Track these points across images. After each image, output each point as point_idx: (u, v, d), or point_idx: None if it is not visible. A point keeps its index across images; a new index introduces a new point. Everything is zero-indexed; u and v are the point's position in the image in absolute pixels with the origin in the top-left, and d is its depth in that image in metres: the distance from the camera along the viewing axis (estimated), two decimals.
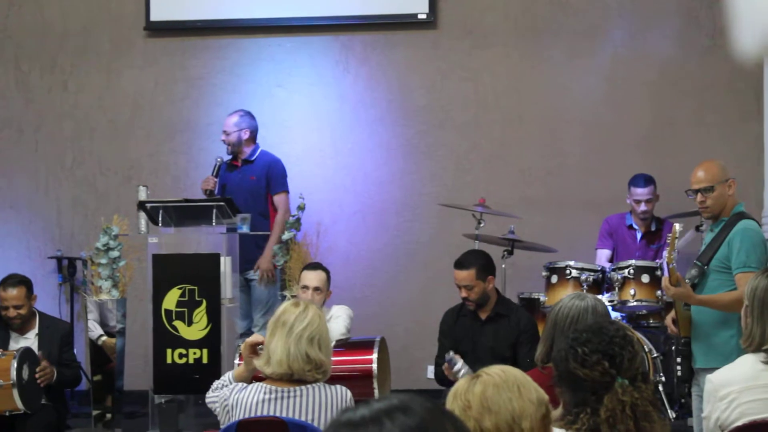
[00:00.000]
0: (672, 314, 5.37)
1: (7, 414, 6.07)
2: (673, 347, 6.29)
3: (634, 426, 2.89)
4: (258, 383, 3.90)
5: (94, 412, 6.76)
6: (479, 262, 6.04)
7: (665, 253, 5.29)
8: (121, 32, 8.33)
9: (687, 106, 7.90)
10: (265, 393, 3.84)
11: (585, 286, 6.53)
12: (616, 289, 6.52)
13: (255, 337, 4.14)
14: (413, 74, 8.14)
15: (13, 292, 6.36)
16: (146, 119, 8.31)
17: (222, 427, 3.87)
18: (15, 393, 6.00)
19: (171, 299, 6.42)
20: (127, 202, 7.62)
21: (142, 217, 6.71)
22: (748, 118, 7.77)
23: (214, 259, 6.44)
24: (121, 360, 6.81)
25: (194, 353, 6.38)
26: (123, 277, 6.83)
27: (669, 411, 6.19)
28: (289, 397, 3.82)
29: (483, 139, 8.05)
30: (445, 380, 5.71)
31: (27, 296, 6.40)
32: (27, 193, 8.35)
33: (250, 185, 7.29)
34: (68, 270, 8.10)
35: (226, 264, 6.46)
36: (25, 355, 6.13)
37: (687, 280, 5.17)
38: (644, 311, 6.67)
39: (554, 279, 6.66)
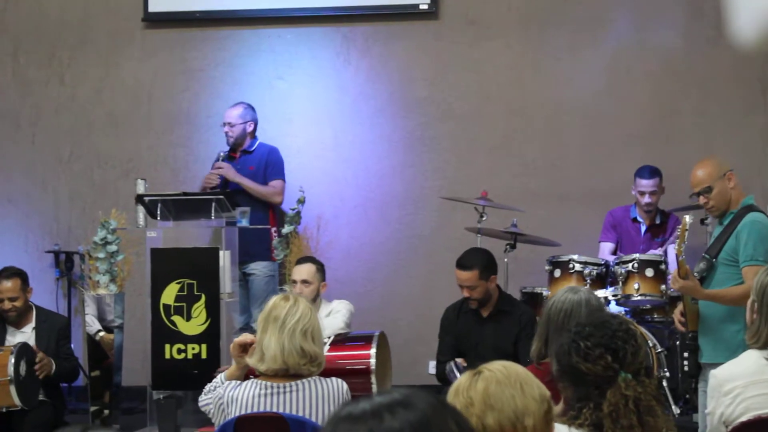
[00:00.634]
0: (680, 308, 5.31)
1: (4, 410, 6.05)
2: (678, 342, 6.23)
3: (637, 421, 2.87)
4: (253, 380, 3.85)
5: (92, 408, 6.75)
6: (482, 263, 5.96)
7: (674, 246, 5.22)
8: (120, 24, 8.26)
9: (691, 97, 7.82)
10: (260, 389, 3.80)
11: (588, 281, 6.45)
12: (620, 283, 6.46)
13: (244, 337, 4.07)
14: (415, 66, 8.07)
15: (8, 284, 6.33)
16: (145, 112, 8.24)
17: (217, 426, 3.81)
18: (12, 389, 5.97)
19: (169, 294, 6.37)
20: (125, 195, 7.55)
21: (141, 211, 6.66)
22: (753, 109, 7.70)
23: (213, 253, 6.39)
24: (119, 355, 6.79)
25: (193, 348, 6.34)
26: (121, 271, 6.80)
27: (673, 406, 6.13)
28: (285, 392, 3.78)
29: (485, 131, 7.98)
30: (445, 379, 5.67)
31: (22, 288, 6.36)
32: (24, 187, 8.28)
33: (249, 176, 7.24)
34: (66, 264, 8.02)
35: (225, 258, 6.41)
36: (23, 350, 6.10)
37: (695, 274, 5.11)
38: (648, 306, 6.60)
39: (557, 273, 6.59)
